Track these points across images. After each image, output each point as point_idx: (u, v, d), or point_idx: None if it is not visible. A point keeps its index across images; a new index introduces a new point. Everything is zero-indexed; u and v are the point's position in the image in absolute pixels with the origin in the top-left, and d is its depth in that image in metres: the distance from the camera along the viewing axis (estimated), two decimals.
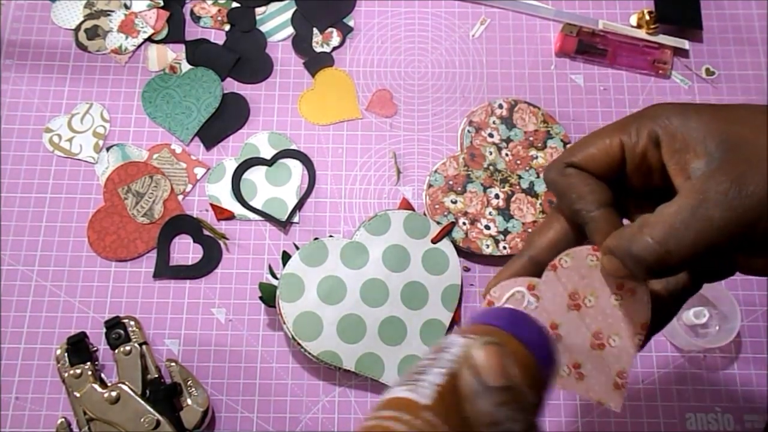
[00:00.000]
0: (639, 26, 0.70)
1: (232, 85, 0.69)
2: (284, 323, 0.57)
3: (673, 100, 0.68)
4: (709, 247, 0.30)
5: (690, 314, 0.58)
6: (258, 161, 0.65)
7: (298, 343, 0.57)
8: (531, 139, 0.65)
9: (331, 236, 0.61)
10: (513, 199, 0.63)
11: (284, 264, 0.59)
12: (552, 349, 0.31)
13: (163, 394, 0.56)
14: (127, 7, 0.71)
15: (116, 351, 0.57)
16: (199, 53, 0.69)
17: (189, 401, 0.56)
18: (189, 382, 0.57)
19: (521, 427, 0.26)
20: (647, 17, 0.69)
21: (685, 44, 0.69)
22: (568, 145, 0.65)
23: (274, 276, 0.59)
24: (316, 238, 0.60)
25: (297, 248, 0.60)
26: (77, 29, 0.70)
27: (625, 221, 0.35)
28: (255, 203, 0.64)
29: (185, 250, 0.63)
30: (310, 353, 0.57)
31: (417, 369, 0.28)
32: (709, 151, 0.31)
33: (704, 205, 0.30)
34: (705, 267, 0.36)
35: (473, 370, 0.27)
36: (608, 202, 0.34)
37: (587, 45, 0.69)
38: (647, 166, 0.34)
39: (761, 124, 0.31)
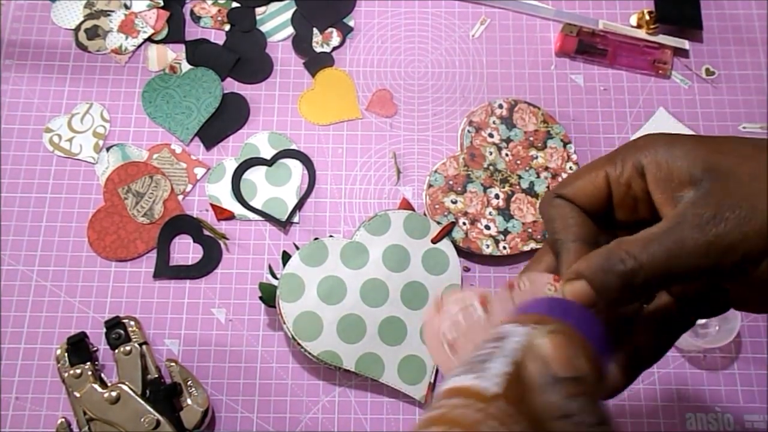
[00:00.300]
0: (639, 26, 0.70)
1: (232, 85, 0.69)
2: (284, 323, 0.57)
3: (673, 100, 0.68)
4: (680, 267, 0.30)
5: None
6: (258, 161, 0.65)
7: (298, 343, 0.57)
8: (531, 139, 0.65)
9: (331, 236, 0.61)
10: (513, 199, 0.63)
11: (284, 264, 0.59)
12: (607, 339, 0.29)
13: (163, 394, 0.56)
14: (127, 7, 0.71)
15: (116, 351, 0.57)
16: (199, 53, 0.69)
17: (189, 401, 0.56)
18: (189, 382, 0.57)
19: (594, 419, 0.26)
20: (647, 17, 0.69)
21: (685, 44, 0.69)
22: (568, 145, 0.65)
23: (274, 276, 0.59)
24: (316, 238, 0.60)
25: (297, 248, 0.60)
26: (77, 29, 0.70)
27: None
28: (255, 203, 0.64)
29: (185, 250, 0.63)
30: (310, 353, 0.57)
31: (477, 358, 0.27)
32: (695, 179, 0.31)
33: (679, 227, 0.30)
34: (696, 300, 0.36)
35: (540, 360, 0.26)
36: (587, 237, 0.34)
37: (587, 45, 0.69)
38: (632, 197, 0.34)
39: (747, 154, 0.31)
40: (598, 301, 0.32)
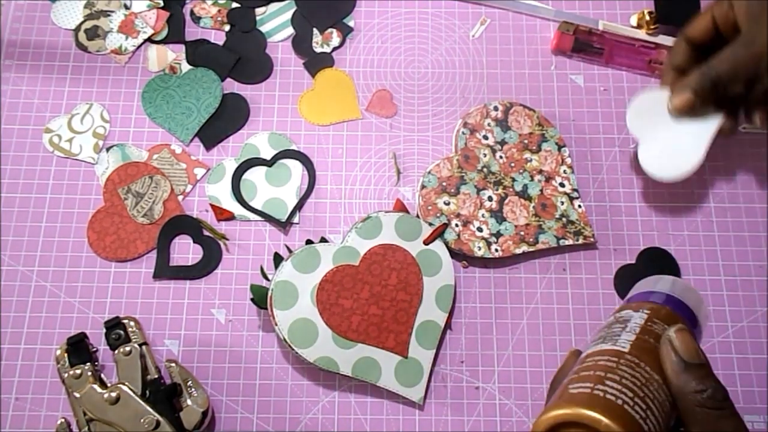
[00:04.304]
0: (639, 27, 0.70)
1: (232, 85, 0.69)
2: (280, 330, 0.57)
3: None
4: (738, 73, 0.54)
5: None
6: (258, 161, 0.66)
7: (294, 350, 0.57)
8: (525, 141, 0.65)
9: (323, 240, 0.60)
10: (506, 201, 0.63)
11: (276, 266, 0.59)
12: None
13: (163, 395, 0.56)
14: (127, 8, 0.71)
15: (116, 351, 0.57)
16: (199, 53, 0.69)
17: (189, 402, 0.56)
18: (189, 383, 0.57)
19: (721, 396, 0.35)
20: (647, 17, 0.69)
21: None
22: (563, 148, 0.65)
23: (266, 277, 0.59)
24: (308, 241, 0.60)
25: (289, 250, 0.60)
26: (77, 29, 0.70)
27: None
28: (255, 203, 0.64)
29: (185, 251, 0.63)
30: (305, 359, 0.57)
31: (609, 333, 0.38)
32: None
33: (736, 46, 0.54)
34: None
35: (674, 351, 0.36)
36: (679, 63, 0.59)
37: (583, 43, 0.69)
38: (732, 25, 0.56)
39: None
40: (697, 105, 0.56)
